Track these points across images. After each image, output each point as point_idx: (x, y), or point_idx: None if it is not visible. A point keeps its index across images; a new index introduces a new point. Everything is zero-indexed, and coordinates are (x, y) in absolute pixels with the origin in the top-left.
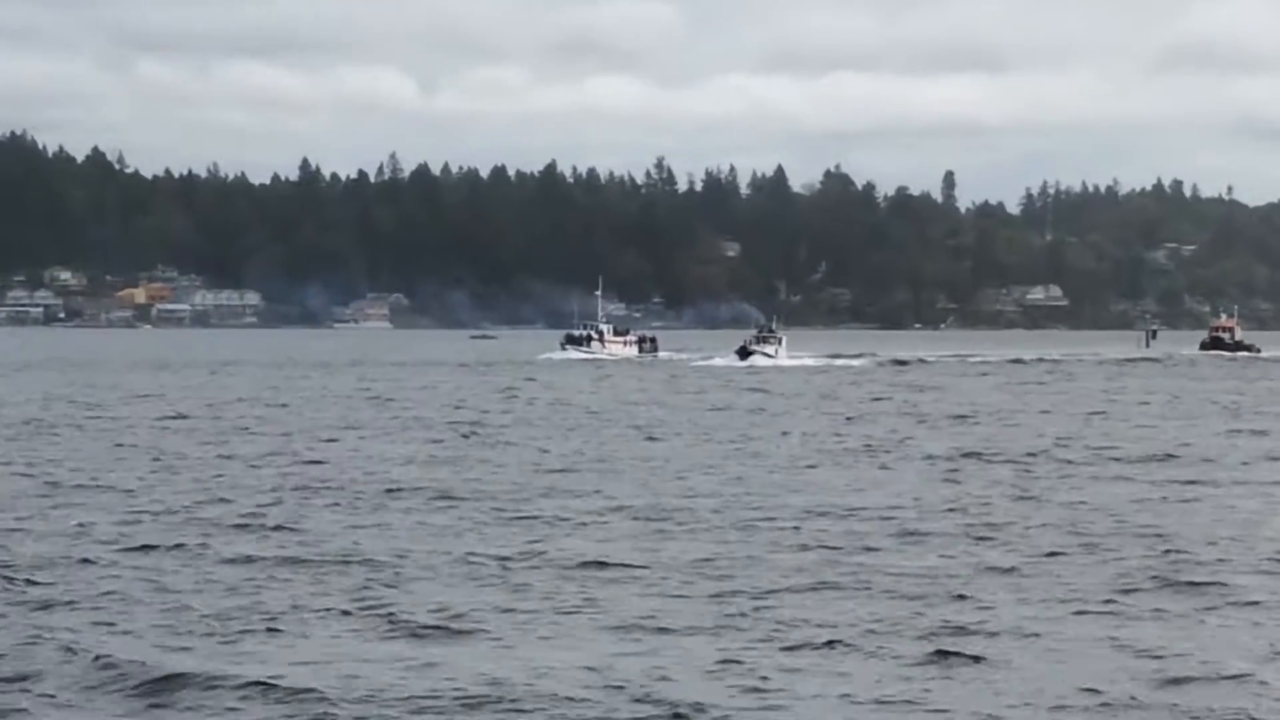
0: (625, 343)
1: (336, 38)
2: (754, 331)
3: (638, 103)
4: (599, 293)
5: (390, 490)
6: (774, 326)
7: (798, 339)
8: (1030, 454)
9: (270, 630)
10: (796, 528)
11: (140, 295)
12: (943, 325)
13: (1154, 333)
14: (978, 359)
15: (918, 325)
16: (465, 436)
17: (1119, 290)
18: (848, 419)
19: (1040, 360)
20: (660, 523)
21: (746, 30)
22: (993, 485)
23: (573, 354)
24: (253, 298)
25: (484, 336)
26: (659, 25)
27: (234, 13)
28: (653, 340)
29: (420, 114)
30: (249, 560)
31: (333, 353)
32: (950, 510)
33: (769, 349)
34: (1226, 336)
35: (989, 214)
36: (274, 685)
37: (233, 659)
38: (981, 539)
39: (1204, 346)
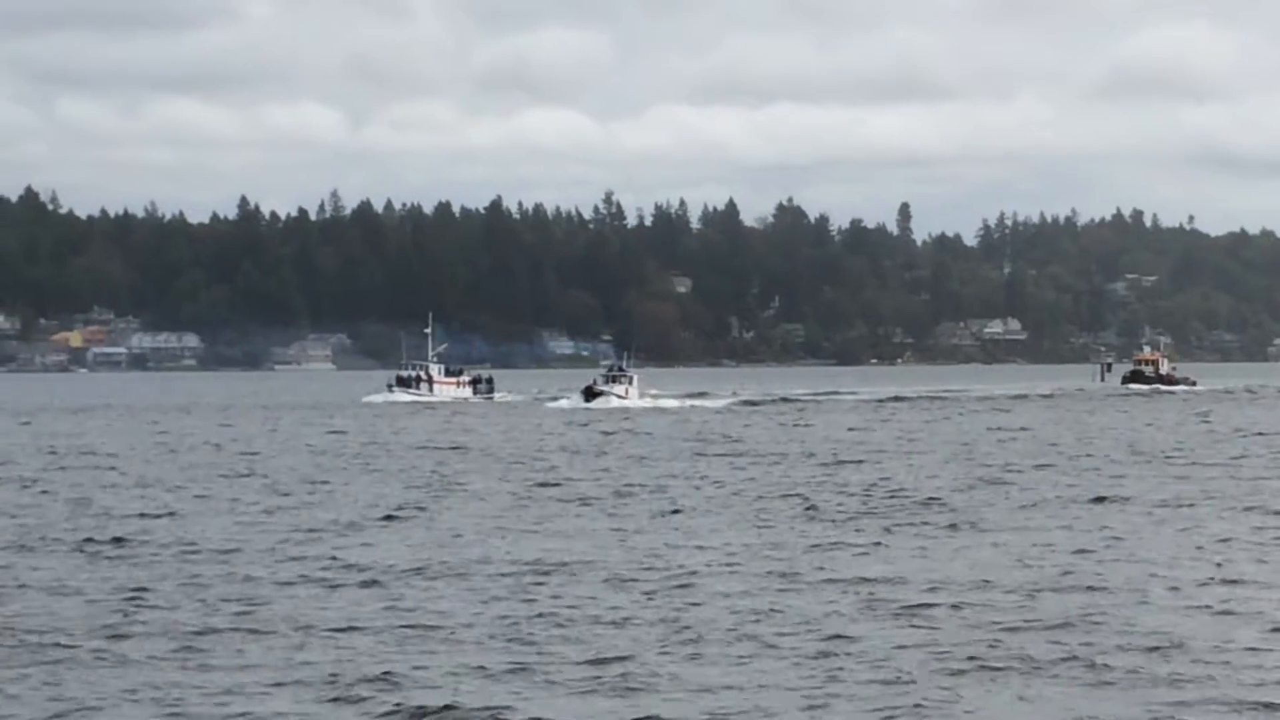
0: (458, 383)
1: (259, 73)
2: (603, 370)
3: (574, 135)
4: (429, 330)
5: None
6: (625, 365)
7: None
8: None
9: None
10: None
11: (76, 339)
12: (899, 360)
13: (1109, 365)
14: (850, 396)
15: (874, 360)
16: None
17: (1079, 323)
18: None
19: (918, 398)
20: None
21: (680, 61)
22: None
23: (400, 396)
24: (191, 340)
25: None
26: (590, 56)
27: (154, 49)
28: (489, 381)
29: (355, 150)
30: None
31: (201, 394)
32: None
33: (618, 389)
34: (1149, 370)
35: (946, 246)
36: None
37: None
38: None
39: (1125, 380)
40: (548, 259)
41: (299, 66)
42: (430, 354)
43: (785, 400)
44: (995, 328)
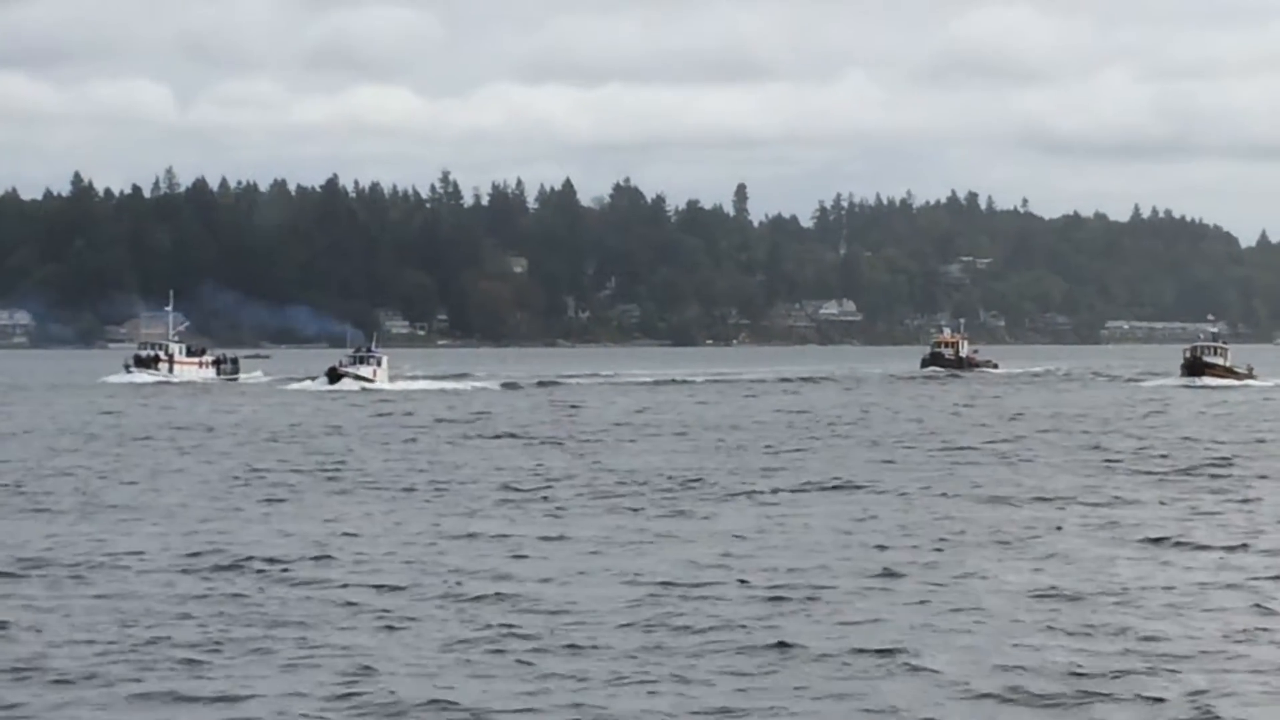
0: (201, 364)
1: (86, 49)
2: (350, 351)
3: (405, 114)
4: (169, 308)
5: None
6: (373, 346)
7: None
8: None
9: None
10: None
11: None
12: (735, 341)
13: None
14: (625, 379)
15: (709, 341)
16: None
17: (914, 304)
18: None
19: (686, 381)
20: None
21: (509, 39)
22: None
23: (139, 376)
24: (23, 317)
25: (257, 356)
26: (418, 33)
27: None
28: (233, 361)
29: (188, 127)
30: None
31: None
32: None
33: (364, 371)
34: (948, 352)
35: (781, 227)
36: None
37: None
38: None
39: (924, 363)
40: (384, 238)
41: (126, 42)
42: (171, 333)
43: (543, 384)
44: (830, 309)
